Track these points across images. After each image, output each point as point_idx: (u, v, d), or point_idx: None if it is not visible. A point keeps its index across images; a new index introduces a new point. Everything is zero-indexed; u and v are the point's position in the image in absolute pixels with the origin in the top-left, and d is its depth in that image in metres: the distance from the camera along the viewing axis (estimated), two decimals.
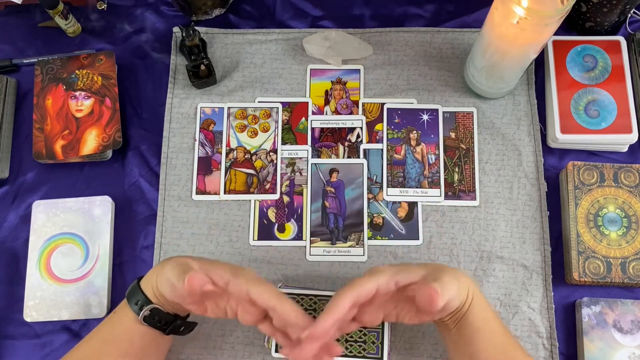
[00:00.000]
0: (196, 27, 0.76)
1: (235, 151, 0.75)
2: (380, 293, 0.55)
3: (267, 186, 0.74)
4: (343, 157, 0.75)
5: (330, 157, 0.75)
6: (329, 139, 0.76)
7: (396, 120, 0.76)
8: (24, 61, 0.79)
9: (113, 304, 0.70)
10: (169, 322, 0.58)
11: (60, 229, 0.71)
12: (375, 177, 0.74)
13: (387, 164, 0.74)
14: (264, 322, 0.57)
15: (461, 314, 0.57)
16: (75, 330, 0.69)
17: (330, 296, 0.67)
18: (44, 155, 0.73)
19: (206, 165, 0.74)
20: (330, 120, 0.76)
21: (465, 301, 0.56)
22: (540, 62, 0.77)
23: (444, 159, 0.74)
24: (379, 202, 0.73)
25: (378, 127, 0.76)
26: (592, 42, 0.75)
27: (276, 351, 0.64)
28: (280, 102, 0.77)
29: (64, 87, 0.75)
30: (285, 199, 0.73)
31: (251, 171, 0.74)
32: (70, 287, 0.69)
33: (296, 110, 0.77)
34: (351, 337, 0.63)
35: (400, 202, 0.73)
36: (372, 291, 0.54)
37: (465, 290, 0.56)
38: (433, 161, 0.74)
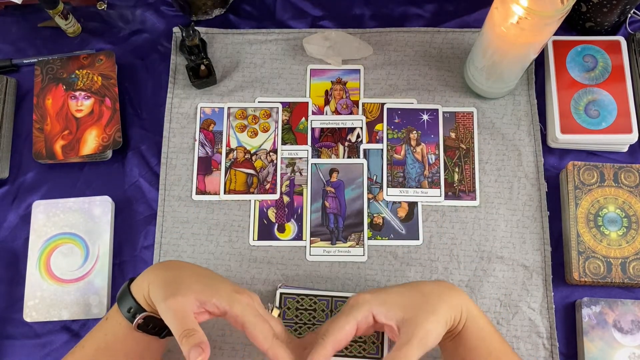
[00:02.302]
0: (196, 27, 0.75)
1: (235, 151, 0.75)
2: (361, 327, 0.55)
3: (267, 186, 0.74)
4: (343, 157, 0.75)
5: (330, 157, 0.75)
6: (329, 139, 0.75)
7: (396, 120, 0.76)
8: (24, 61, 0.79)
9: (113, 304, 0.69)
10: (163, 327, 0.56)
11: (60, 229, 0.71)
12: (375, 177, 0.74)
13: (387, 164, 0.74)
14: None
15: (455, 333, 0.56)
16: (75, 330, 0.69)
17: (330, 296, 0.67)
18: (44, 155, 0.73)
19: (206, 165, 0.74)
20: (330, 120, 0.76)
21: (459, 322, 0.55)
22: (540, 62, 0.77)
23: (444, 159, 0.74)
24: (379, 202, 0.73)
25: (378, 127, 0.76)
26: (592, 42, 0.75)
27: None
28: (280, 102, 0.77)
29: (64, 87, 0.75)
30: (285, 199, 0.73)
31: (251, 171, 0.74)
32: (70, 287, 0.69)
33: (296, 110, 0.77)
34: None
35: (400, 202, 0.73)
36: (351, 333, 0.54)
37: (458, 312, 0.55)
38: (433, 161, 0.74)
